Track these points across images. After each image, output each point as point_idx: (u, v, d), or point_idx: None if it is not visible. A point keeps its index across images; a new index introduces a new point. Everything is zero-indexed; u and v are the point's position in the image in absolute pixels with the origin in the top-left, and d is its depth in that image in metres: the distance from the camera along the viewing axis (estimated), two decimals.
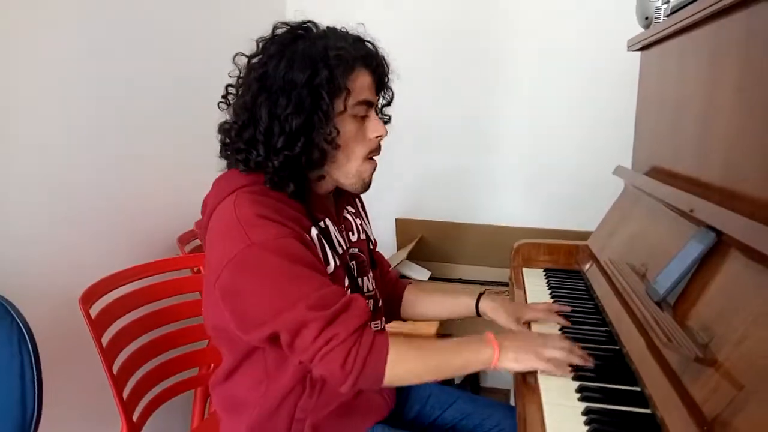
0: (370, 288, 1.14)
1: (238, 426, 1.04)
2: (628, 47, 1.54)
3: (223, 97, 1.03)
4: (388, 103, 1.10)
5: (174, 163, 1.89)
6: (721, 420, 0.69)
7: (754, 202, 0.87)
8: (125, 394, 1.28)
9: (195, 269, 1.66)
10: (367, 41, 1.02)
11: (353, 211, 1.17)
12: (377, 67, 1.01)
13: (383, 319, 1.18)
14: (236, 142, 0.98)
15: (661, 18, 1.34)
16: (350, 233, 1.12)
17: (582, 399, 0.91)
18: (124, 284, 1.37)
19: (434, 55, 2.30)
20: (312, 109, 0.93)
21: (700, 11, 1.05)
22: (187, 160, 1.94)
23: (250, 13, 2.26)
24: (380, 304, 1.18)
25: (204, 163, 1.96)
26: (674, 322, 0.90)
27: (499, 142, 2.34)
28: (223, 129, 1.02)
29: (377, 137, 1.02)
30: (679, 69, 1.26)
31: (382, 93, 1.07)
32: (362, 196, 1.18)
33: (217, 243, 0.95)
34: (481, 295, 1.24)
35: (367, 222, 1.23)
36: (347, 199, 1.16)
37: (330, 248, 1.01)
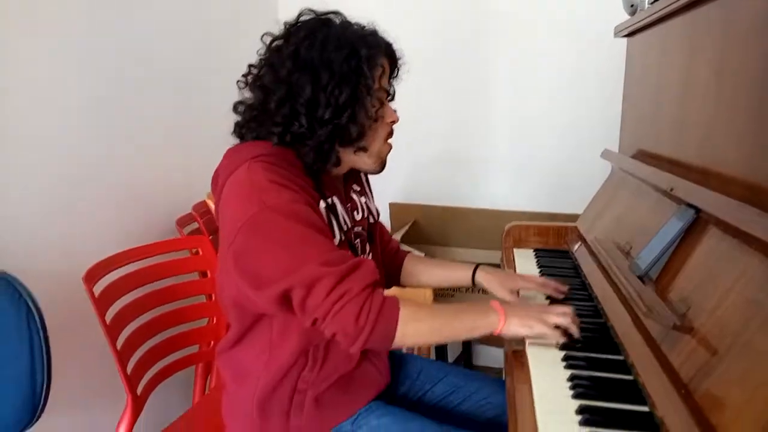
0: None
1: (244, 395, 1.07)
2: (615, 34, 1.58)
3: (243, 75, 1.07)
4: (393, 97, 1.14)
5: (173, 149, 1.92)
6: (696, 381, 0.75)
7: (729, 180, 0.92)
8: (129, 368, 1.32)
9: (193, 251, 1.70)
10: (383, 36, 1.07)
11: (358, 189, 1.21)
12: (396, 59, 1.09)
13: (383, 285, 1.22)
14: (273, 115, 1.00)
15: (646, 5, 1.38)
16: (355, 212, 1.16)
17: (568, 367, 0.96)
18: (126, 264, 1.41)
19: (425, 40, 2.32)
20: (357, 82, 0.99)
21: None
22: (185, 145, 1.97)
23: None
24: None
25: (202, 149, 2.00)
26: (655, 295, 0.95)
27: (490, 128, 2.37)
28: (248, 107, 1.05)
29: (391, 122, 1.09)
30: (661, 54, 1.30)
31: (392, 86, 1.13)
32: None
33: (231, 208, 0.98)
34: (477, 267, 1.28)
35: (370, 197, 1.27)
36: (355, 178, 1.20)
37: (336, 223, 1.05)
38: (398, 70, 1.11)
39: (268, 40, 1.04)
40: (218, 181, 1.05)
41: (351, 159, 1.09)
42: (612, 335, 1.07)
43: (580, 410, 0.83)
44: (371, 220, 1.23)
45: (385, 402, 1.13)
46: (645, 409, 0.83)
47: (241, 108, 1.07)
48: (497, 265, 2.01)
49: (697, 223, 0.97)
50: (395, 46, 1.08)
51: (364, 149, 1.07)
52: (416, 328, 0.97)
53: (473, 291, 1.72)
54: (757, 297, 0.71)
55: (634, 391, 0.88)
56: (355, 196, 1.18)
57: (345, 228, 1.08)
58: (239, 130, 1.07)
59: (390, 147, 1.11)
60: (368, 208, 1.22)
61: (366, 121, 1.02)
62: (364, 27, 1.05)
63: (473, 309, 1.02)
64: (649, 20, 1.31)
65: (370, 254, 1.20)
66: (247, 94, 1.06)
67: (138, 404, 1.32)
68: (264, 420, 1.06)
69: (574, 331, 1.00)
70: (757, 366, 0.66)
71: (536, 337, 1.00)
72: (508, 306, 1.01)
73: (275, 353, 1.04)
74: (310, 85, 0.97)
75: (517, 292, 1.25)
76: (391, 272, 1.33)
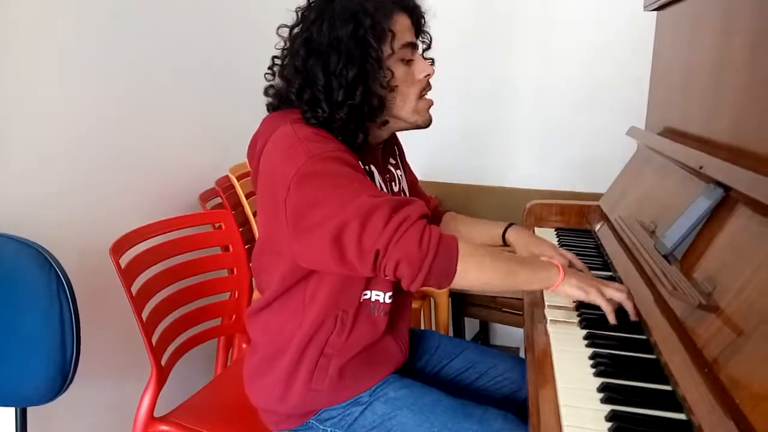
0: None
1: (272, 354, 1.09)
2: (645, 7, 1.54)
3: (269, 68, 1.08)
4: (428, 47, 1.13)
5: (196, 126, 1.93)
6: (720, 361, 0.74)
7: (761, 159, 0.90)
8: (154, 340, 1.35)
9: (216, 225, 1.72)
10: None
11: (394, 162, 1.21)
12: (414, 8, 1.05)
13: None
14: (298, 104, 1.02)
15: None
16: (393, 184, 1.17)
17: (589, 345, 0.96)
18: (151, 237, 1.43)
19: (446, 19, 2.29)
20: (363, 58, 0.97)
21: None
22: (208, 123, 1.98)
23: None
24: None
25: (224, 126, 2.02)
26: (680, 274, 0.94)
27: (512, 106, 2.35)
28: (277, 93, 1.07)
29: (426, 76, 1.06)
30: (692, 29, 1.27)
31: (421, 37, 1.10)
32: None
33: (280, 162, 0.98)
34: (509, 226, 1.29)
35: (406, 167, 1.28)
36: (391, 150, 1.21)
37: None
38: (423, 20, 1.08)
39: (284, 32, 1.04)
40: (257, 144, 1.05)
41: (387, 127, 1.09)
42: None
43: (602, 388, 0.83)
44: (408, 188, 1.24)
45: (402, 375, 1.14)
46: (668, 387, 0.82)
47: (271, 91, 1.09)
48: None
49: (726, 202, 0.95)
50: None
51: (395, 116, 1.07)
52: (477, 264, 0.95)
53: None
54: None
55: (657, 370, 0.88)
56: (392, 168, 1.18)
57: None
58: (272, 110, 1.09)
59: (429, 102, 1.09)
60: (402, 181, 1.22)
61: (383, 92, 1.01)
62: None
63: (535, 261, 1.04)
64: None
65: None
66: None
67: (162, 375, 1.35)
68: (291, 379, 1.07)
69: (630, 307, 1.01)
70: None
71: (589, 302, 1.00)
72: (569, 269, 1.03)
73: (307, 314, 1.05)
74: (321, 70, 0.98)
75: None
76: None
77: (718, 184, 0.97)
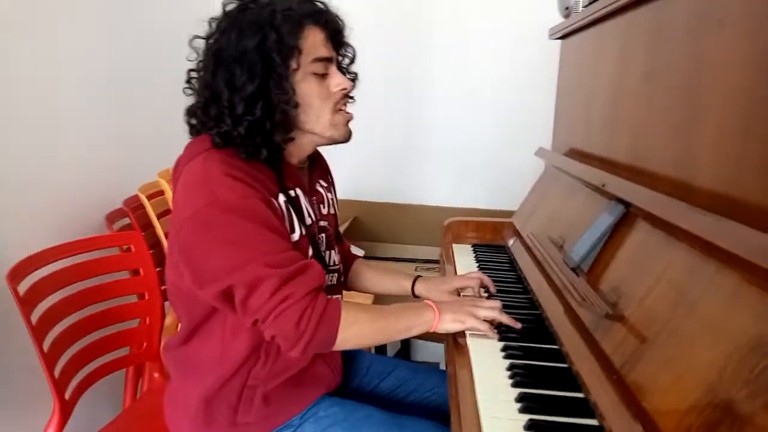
0: (336, 262, 1.17)
1: (190, 392, 1.04)
2: (550, 36, 1.63)
3: (186, 82, 1.03)
4: (352, 61, 1.11)
5: (102, 142, 1.84)
6: (627, 367, 0.79)
7: (657, 177, 0.97)
8: (56, 372, 1.25)
9: (124, 248, 1.63)
10: (316, 0, 1.03)
11: (325, 185, 1.19)
12: (328, 22, 1.02)
13: (342, 294, 1.22)
14: (205, 120, 0.98)
15: (580, 8, 1.44)
16: (321, 206, 1.14)
17: (506, 357, 1.00)
18: (53, 262, 1.34)
19: (364, 35, 2.33)
20: (265, 72, 0.94)
21: (612, 3, 1.15)
22: (115, 140, 1.89)
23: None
24: (342, 279, 1.21)
25: (132, 144, 1.93)
26: (587, 285, 1.00)
27: (428, 127, 2.41)
28: (190, 111, 1.02)
29: (341, 90, 1.03)
30: (594, 57, 1.36)
31: (342, 50, 1.09)
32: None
33: (182, 198, 0.95)
34: (416, 279, 1.30)
35: (335, 197, 1.25)
36: (320, 172, 1.19)
37: (297, 217, 1.03)
38: (341, 33, 1.06)
39: (198, 43, 1.01)
40: (177, 169, 1.02)
41: (300, 142, 1.05)
42: (547, 326, 1.11)
43: (520, 398, 0.85)
44: (338, 221, 1.23)
45: (334, 396, 1.13)
46: (580, 395, 0.86)
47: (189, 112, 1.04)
48: (437, 262, 2.05)
49: (627, 217, 1.02)
50: (333, 9, 1.04)
51: (310, 132, 1.04)
52: (357, 332, 0.98)
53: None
54: (683, 285, 0.76)
55: (570, 379, 0.91)
56: (321, 190, 1.16)
57: (309, 222, 1.06)
58: (193, 132, 1.05)
59: (347, 116, 1.07)
60: (334, 206, 1.21)
61: (287, 108, 0.97)
62: None
63: (410, 309, 1.05)
64: (582, 23, 1.36)
65: (338, 255, 1.19)
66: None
67: (66, 409, 1.26)
68: (209, 416, 1.03)
69: (505, 320, 1.07)
70: (683, 350, 0.70)
71: (469, 330, 1.06)
72: (441, 304, 1.06)
73: (228, 349, 1.02)
74: (225, 83, 0.95)
75: (458, 292, 1.28)
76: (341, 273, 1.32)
77: (620, 201, 1.04)
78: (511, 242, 1.63)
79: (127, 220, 1.83)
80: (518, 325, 1.07)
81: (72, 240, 1.43)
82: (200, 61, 1.01)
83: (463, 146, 2.38)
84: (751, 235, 0.64)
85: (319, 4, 1.03)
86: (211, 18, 1.00)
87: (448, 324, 1.03)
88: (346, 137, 1.08)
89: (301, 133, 1.04)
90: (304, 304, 0.91)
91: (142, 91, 1.96)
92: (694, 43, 0.87)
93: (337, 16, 1.05)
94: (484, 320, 1.05)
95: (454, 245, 1.71)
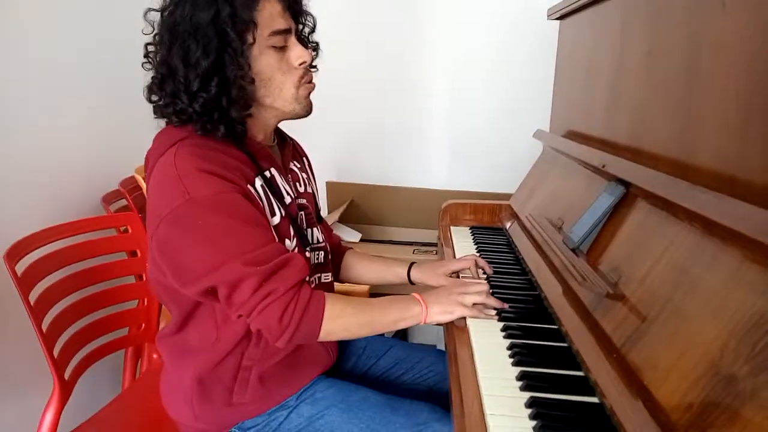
0: (320, 239, 1.16)
1: (183, 375, 1.05)
2: (548, 16, 1.62)
3: (144, 56, 0.99)
4: (312, 30, 1.09)
5: (98, 122, 1.82)
6: (627, 346, 0.79)
7: (658, 158, 0.97)
8: (56, 352, 1.25)
9: (121, 228, 1.63)
10: None
11: (299, 166, 1.18)
12: None
13: (332, 271, 1.22)
14: (162, 97, 0.96)
15: None
16: (297, 184, 1.13)
17: (507, 336, 1.00)
18: (50, 242, 1.33)
19: (359, 15, 2.31)
20: (220, 47, 0.91)
21: None
22: (111, 120, 1.88)
23: None
24: (329, 256, 1.20)
25: (129, 123, 1.91)
26: (587, 266, 1.00)
27: (425, 108, 2.39)
28: (148, 87, 0.99)
29: (301, 64, 1.00)
30: (593, 37, 1.35)
31: (302, 19, 1.06)
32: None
33: (156, 197, 0.94)
34: (411, 265, 1.30)
35: (313, 180, 1.24)
36: (292, 152, 1.17)
37: (276, 198, 1.02)
38: (299, 5, 1.03)
39: (152, 16, 0.97)
40: (148, 164, 1.00)
41: (263, 116, 1.03)
42: (546, 306, 1.12)
43: (521, 376, 0.86)
44: (317, 201, 1.21)
45: (330, 377, 1.13)
46: (581, 374, 0.87)
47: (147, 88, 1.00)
48: (435, 244, 2.05)
49: (627, 198, 1.02)
50: None
51: (270, 106, 1.01)
52: (342, 325, 0.98)
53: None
54: (684, 264, 0.76)
55: (570, 358, 0.92)
56: (296, 170, 1.15)
57: (288, 200, 1.06)
58: (157, 110, 1.00)
59: (308, 89, 1.04)
60: (312, 185, 1.20)
61: (244, 83, 0.94)
62: None
63: (397, 304, 1.04)
64: (581, 3, 1.35)
65: (322, 233, 1.18)
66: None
67: (66, 389, 1.26)
68: (205, 397, 1.04)
69: (492, 302, 1.07)
70: (684, 328, 0.71)
71: (457, 318, 1.05)
72: (428, 295, 1.06)
73: (223, 331, 1.02)
74: (181, 59, 0.92)
75: (457, 275, 1.28)
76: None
77: (620, 181, 1.04)
78: (508, 224, 1.63)
79: (123, 202, 1.82)
80: (505, 306, 1.08)
81: (69, 221, 1.42)
82: (156, 35, 0.97)
83: (459, 128, 2.37)
84: (753, 212, 0.65)
85: None
86: None
87: (436, 317, 1.04)
88: (308, 111, 1.06)
89: (262, 108, 1.01)
90: (286, 299, 0.92)
91: (141, 72, 1.93)
92: (695, 22, 0.87)
93: None
94: (474, 304, 1.06)
95: (451, 228, 1.71)
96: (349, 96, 2.33)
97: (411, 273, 1.29)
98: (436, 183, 2.33)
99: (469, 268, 1.29)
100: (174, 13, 0.93)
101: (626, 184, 1.02)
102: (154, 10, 0.97)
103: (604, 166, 1.10)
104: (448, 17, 2.30)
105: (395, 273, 1.31)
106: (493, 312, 1.08)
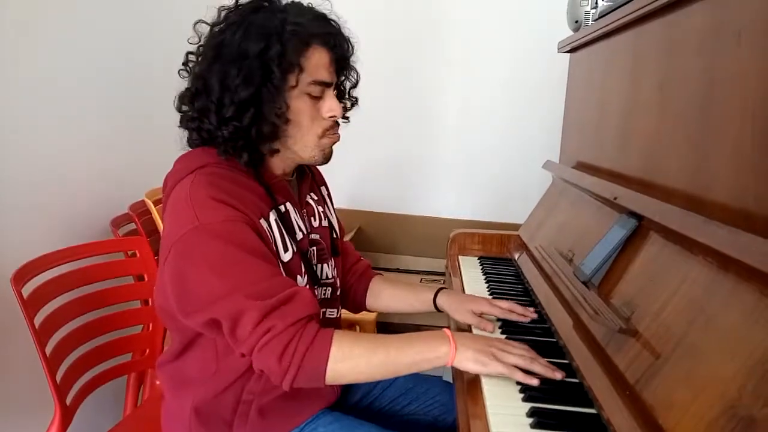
0: (329, 275, 1.14)
1: (182, 405, 1.02)
2: (559, 49, 1.64)
3: (183, 64, 1.01)
4: (354, 85, 1.10)
5: (108, 146, 1.83)
6: (641, 383, 0.77)
7: (670, 191, 0.97)
8: (58, 377, 1.24)
9: (129, 253, 1.62)
10: (331, 19, 1.01)
11: (316, 198, 1.17)
12: (336, 46, 1.00)
13: (339, 307, 1.19)
14: (191, 110, 0.97)
15: (590, 22, 1.44)
16: (312, 218, 1.12)
17: None
18: (57, 265, 1.33)
19: (371, 45, 2.32)
20: (262, 82, 0.92)
21: (624, 16, 1.15)
22: (121, 143, 1.89)
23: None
24: (338, 293, 1.17)
25: (140, 147, 1.93)
26: (599, 299, 0.98)
27: (435, 138, 2.41)
28: (180, 97, 1.00)
29: (330, 117, 1.01)
30: (604, 70, 1.36)
31: (346, 73, 1.07)
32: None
33: (169, 223, 0.94)
34: (439, 290, 1.25)
35: (331, 210, 1.22)
36: (310, 185, 1.16)
37: (288, 234, 1.00)
38: (348, 58, 1.04)
39: (201, 28, 0.98)
40: (166, 187, 1.00)
41: (284, 155, 1.03)
42: (556, 339, 1.09)
43: (531, 413, 0.84)
44: (334, 234, 1.19)
45: (334, 411, 1.10)
46: (593, 411, 0.85)
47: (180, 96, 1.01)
48: (442, 273, 2.03)
49: (639, 231, 1.01)
50: (346, 32, 1.02)
51: (290, 148, 1.01)
52: (351, 367, 0.89)
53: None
54: (700, 300, 0.75)
55: (582, 394, 0.90)
56: (312, 203, 1.14)
57: (300, 236, 1.04)
58: (183, 121, 1.01)
59: (332, 140, 1.04)
60: (328, 218, 1.18)
61: (277, 121, 0.95)
62: (308, 11, 0.98)
63: (421, 341, 0.92)
64: (592, 36, 1.36)
65: (334, 269, 1.16)
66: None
67: (67, 415, 1.24)
68: (204, 429, 1.01)
69: (538, 369, 0.91)
70: (700, 366, 0.69)
71: (489, 374, 0.92)
72: (461, 336, 0.94)
73: (223, 363, 1.00)
74: (218, 79, 0.92)
75: (480, 315, 1.18)
76: (356, 293, 1.28)
77: (631, 214, 1.03)
78: (517, 255, 1.62)
79: (132, 226, 1.82)
80: (559, 376, 0.92)
81: (77, 244, 1.42)
82: (200, 46, 0.98)
83: (469, 158, 2.38)
84: None
85: (332, 23, 1.01)
86: (221, 7, 0.98)
87: (466, 363, 0.90)
88: (327, 160, 1.06)
89: (284, 148, 1.02)
90: (287, 336, 0.86)
91: (151, 96, 1.96)
92: (709, 55, 0.87)
93: (347, 41, 1.03)
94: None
95: (460, 257, 1.70)
96: (361, 127, 2.34)
97: (437, 298, 1.23)
98: (444, 212, 2.33)
99: (494, 317, 1.17)
100: (224, 32, 0.94)
101: (638, 217, 1.01)
102: (204, 22, 0.98)
103: (615, 198, 1.09)
104: (460, 50, 2.33)
105: (421, 299, 1.25)
106: (536, 381, 0.89)
